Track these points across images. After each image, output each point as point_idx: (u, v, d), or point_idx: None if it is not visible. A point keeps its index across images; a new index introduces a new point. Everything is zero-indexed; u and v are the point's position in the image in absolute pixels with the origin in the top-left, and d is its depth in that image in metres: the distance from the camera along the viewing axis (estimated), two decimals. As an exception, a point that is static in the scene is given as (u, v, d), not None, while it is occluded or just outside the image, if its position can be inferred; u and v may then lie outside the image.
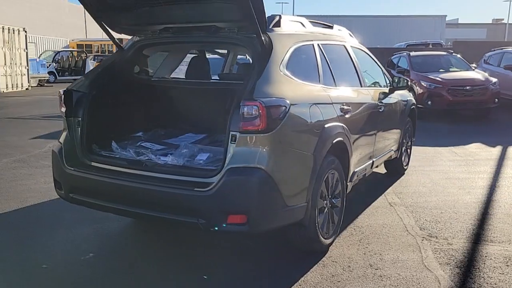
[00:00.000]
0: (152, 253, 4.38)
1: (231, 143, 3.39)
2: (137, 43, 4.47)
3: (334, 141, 4.07)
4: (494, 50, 16.08)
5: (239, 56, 7.12)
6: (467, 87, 12.44)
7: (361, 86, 5.30)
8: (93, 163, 4.06)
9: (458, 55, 15.08)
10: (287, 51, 3.96)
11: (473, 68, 14.41)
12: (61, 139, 4.25)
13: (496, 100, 12.66)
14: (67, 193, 4.08)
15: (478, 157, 8.53)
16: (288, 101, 3.54)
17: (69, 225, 5.00)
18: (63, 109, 4.23)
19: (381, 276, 3.90)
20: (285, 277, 3.88)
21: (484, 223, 5.16)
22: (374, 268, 4.04)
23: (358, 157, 4.89)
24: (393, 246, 4.52)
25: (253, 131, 3.33)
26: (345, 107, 4.47)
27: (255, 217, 3.34)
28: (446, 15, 65.81)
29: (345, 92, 4.73)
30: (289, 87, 3.73)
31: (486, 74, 13.28)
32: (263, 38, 3.78)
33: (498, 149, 9.17)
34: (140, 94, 4.85)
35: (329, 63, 4.63)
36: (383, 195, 6.18)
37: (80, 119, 4.16)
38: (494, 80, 12.76)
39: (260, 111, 3.31)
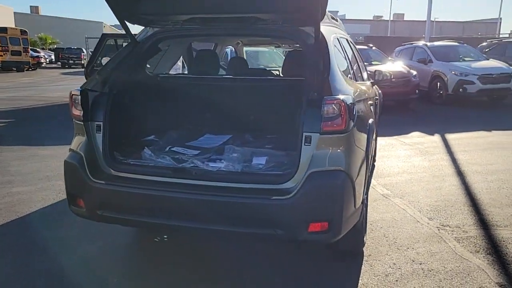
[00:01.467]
0: (177, 271, 3.96)
1: (305, 145, 3.15)
2: (155, 36, 3.96)
3: (374, 137, 4.02)
4: (405, 45, 17.33)
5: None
6: (393, 79, 13.22)
7: (364, 80, 5.33)
8: (124, 174, 3.52)
9: (375, 49, 15.97)
10: (332, 45, 3.80)
11: (391, 61, 15.38)
12: (78, 148, 3.62)
13: (417, 91, 13.65)
14: (92, 211, 3.49)
15: (426, 145, 9.11)
16: (353, 98, 3.40)
17: (68, 245, 4.33)
18: (78, 112, 3.60)
19: (430, 271, 3.94)
20: (344, 281, 3.76)
21: (479, 209, 5.49)
22: (418, 263, 4.08)
23: None
24: (417, 238, 4.61)
25: (333, 131, 3.13)
26: (371, 101, 4.45)
27: (337, 224, 3.15)
28: (337, 11, 69.57)
29: (365, 86, 4.71)
30: (345, 83, 3.58)
31: (407, 67, 14.25)
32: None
33: (437, 137, 9.90)
34: (152, 93, 4.35)
35: (348, 56, 4.57)
36: (371, 187, 6.29)
37: (101, 123, 3.58)
38: (414, 72, 13.69)
39: (342, 110, 3.12)
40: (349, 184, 3.21)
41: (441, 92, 14.72)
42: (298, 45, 5.95)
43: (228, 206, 3.16)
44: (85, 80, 4.11)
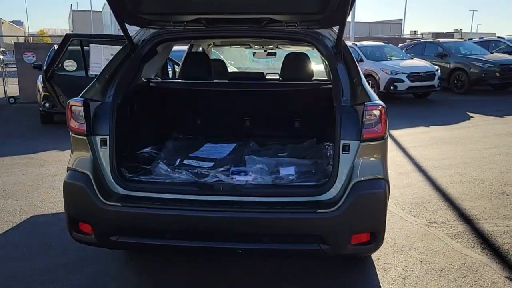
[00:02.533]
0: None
1: (343, 153, 3.03)
2: (156, 37, 3.60)
3: None
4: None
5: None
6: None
7: None
8: (139, 194, 3.15)
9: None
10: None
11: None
12: (80, 166, 3.18)
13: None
14: (104, 237, 3.10)
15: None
16: None
17: (54, 278, 3.82)
18: (79, 126, 3.17)
19: (441, 270, 4.02)
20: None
21: (454, 203, 5.75)
22: (427, 263, 4.15)
23: None
24: (413, 238, 4.70)
25: (373, 138, 3.06)
26: None
27: (381, 233, 3.08)
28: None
29: None
30: (369, 87, 3.52)
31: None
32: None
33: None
34: (148, 101, 3.97)
35: None
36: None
37: (106, 137, 3.18)
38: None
39: (382, 116, 3.04)
40: (388, 192, 3.15)
41: (373, 89, 15.53)
42: (313, 48, 5.85)
43: (271, 223, 2.95)
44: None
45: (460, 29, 67.20)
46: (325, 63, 4.42)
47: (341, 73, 3.25)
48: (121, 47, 5.51)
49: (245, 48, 6.57)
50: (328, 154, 3.74)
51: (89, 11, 58.59)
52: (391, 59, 16.05)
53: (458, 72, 16.68)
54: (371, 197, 3.00)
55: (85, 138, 3.19)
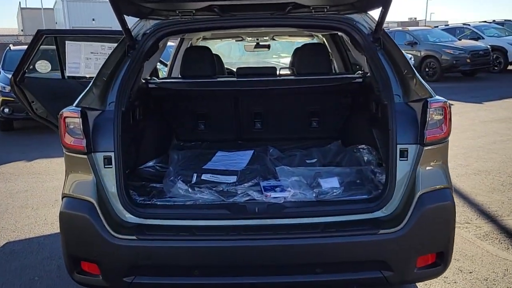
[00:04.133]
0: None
1: (400, 159, 2.56)
2: (160, 30, 2.98)
3: None
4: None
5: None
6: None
7: None
8: (156, 222, 2.57)
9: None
10: None
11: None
12: (80, 192, 2.57)
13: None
14: (115, 279, 2.51)
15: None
16: None
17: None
18: (76, 141, 2.56)
19: (486, 280, 3.63)
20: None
21: (470, 199, 5.40)
22: (468, 272, 3.75)
23: None
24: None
25: (437, 140, 2.60)
26: None
27: (449, 252, 2.62)
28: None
29: None
30: None
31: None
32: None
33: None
34: (149, 105, 3.38)
35: None
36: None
37: (111, 153, 2.58)
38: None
39: (446, 114, 2.60)
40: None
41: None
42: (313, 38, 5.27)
43: (325, 250, 2.44)
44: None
45: (415, 18, 68.63)
46: (347, 54, 3.93)
47: (384, 64, 2.77)
48: (101, 43, 4.91)
49: (236, 41, 6.01)
50: (366, 158, 3.26)
51: (40, 8, 55.94)
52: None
53: (429, 59, 16.59)
54: (440, 211, 2.54)
55: (84, 156, 2.57)
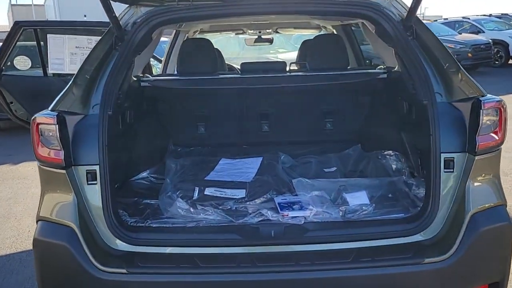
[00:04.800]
0: None
1: (445, 171, 2.13)
2: (154, 18, 2.51)
3: None
4: None
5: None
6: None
7: None
8: (151, 249, 2.13)
9: None
10: None
11: None
12: (59, 215, 2.14)
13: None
14: None
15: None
16: None
17: None
18: (54, 153, 2.11)
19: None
20: None
21: None
22: None
23: None
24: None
25: (490, 148, 2.18)
26: None
27: (505, 281, 2.19)
28: None
29: None
30: None
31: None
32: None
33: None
34: (141, 106, 2.94)
35: None
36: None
37: (95, 167, 2.13)
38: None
39: (502, 116, 2.18)
40: None
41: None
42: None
43: (358, 285, 1.99)
44: None
45: (409, 13, 68.05)
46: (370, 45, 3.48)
47: (417, 57, 2.33)
48: (87, 37, 4.43)
49: (236, 34, 5.53)
50: (394, 167, 2.82)
51: (30, 5, 55.11)
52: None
53: (430, 54, 16.74)
54: (496, 233, 2.10)
55: (63, 171, 2.11)
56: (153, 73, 4.92)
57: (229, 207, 2.39)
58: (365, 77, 3.17)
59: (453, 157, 2.16)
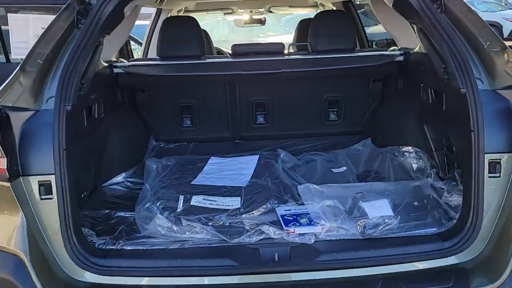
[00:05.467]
0: None
1: (489, 176, 1.72)
2: None
3: None
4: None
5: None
6: None
7: None
8: (127, 281, 1.70)
9: None
10: None
11: None
12: (2, 240, 1.68)
13: None
14: None
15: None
16: None
17: None
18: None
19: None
20: None
21: None
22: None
23: None
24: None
25: None
26: None
27: None
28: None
29: None
30: None
31: None
32: None
33: None
34: (115, 96, 2.49)
35: None
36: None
37: (51, 177, 1.68)
38: None
39: None
40: None
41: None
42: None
43: None
44: None
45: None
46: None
47: (450, 34, 1.88)
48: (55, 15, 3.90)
49: (225, 14, 5.02)
50: (416, 166, 2.39)
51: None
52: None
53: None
54: None
55: (7, 185, 1.64)
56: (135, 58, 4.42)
57: (221, 222, 1.93)
58: (379, 60, 2.71)
59: (499, 159, 1.73)
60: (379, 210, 1.96)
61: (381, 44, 4.74)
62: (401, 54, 2.67)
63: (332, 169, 2.51)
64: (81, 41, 1.90)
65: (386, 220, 1.90)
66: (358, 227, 1.87)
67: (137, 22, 3.43)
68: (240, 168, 2.57)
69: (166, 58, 2.87)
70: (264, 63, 2.85)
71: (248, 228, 1.90)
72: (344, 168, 2.51)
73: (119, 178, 2.51)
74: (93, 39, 1.98)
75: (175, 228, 1.85)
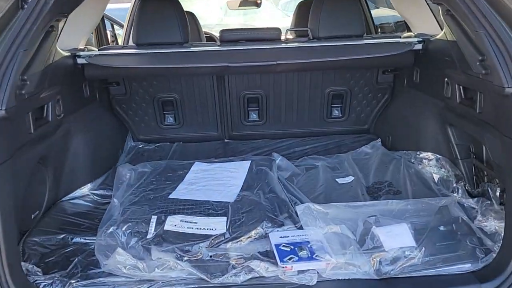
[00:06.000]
0: None
1: None
2: None
3: None
4: None
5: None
6: None
7: None
8: None
9: None
10: None
11: None
12: None
13: None
14: None
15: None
16: None
17: None
18: None
19: None
20: None
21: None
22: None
23: None
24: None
25: None
26: None
27: None
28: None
29: None
30: None
31: None
32: None
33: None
34: (79, 91, 2.10)
35: None
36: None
37: None
38: None
39: None
40: None
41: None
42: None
43: None
44: None
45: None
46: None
47: (491, 19, 1.48)
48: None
49: None
50: (437, 177, 2.00)
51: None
52: None
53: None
54: None
55: None
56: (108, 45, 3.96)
57: (201, 254, 1.55)
58: (395, 49, 2.29)
59: None
60: (397, 239, 1.57)
61: (387, 30, 4.32)
62: (419, 42, 2.26)
63: (336, 179, 2.11)
64: (22, 26, 1.49)
65: (407, 253, 1.51)
66: (372, 263, 1.48)
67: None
68: (228, 177, 2.17)
69: (143, 45, 2.45)
70: (258, 52, 2.44)
71: (234, 263, 1.51)
72: (351, 178, 2.11)
73: (84, 190, 2.10)
74: (42, 22, 1.57)
75: (140, 265, 1.46)
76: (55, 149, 1.95)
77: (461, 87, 1.86)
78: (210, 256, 1.55)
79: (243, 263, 1.50)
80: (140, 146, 2.77)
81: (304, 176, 2.16)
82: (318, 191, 2.00)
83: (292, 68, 2.48)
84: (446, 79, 1.98)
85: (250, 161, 2.30)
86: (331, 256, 1.49)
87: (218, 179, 2.18)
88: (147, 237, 1.67)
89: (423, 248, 1.53)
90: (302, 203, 1.87)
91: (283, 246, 1.59)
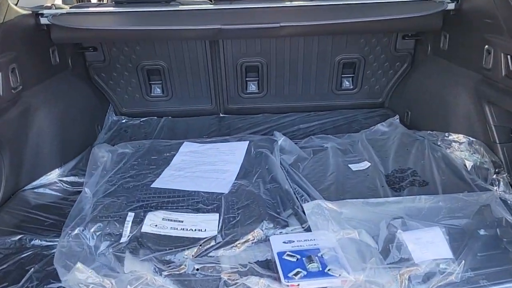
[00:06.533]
0: None
1: None
2: None
3: None
4: None
5: None
6: None
7: None
8: None
9: None
10: None
11: None
12: None
13: None
14: None
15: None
16: None
17: None
18: None
19: None
20: None
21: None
22: None
23: None
24: None
25: None
26: None
27: None
28: None
29: None
30: None
31: None
32: None
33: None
34: (45, 60, 1.79)
35: None
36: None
37: None
38: None
39: None
40: None
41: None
42: None
43: None
44: None
45: None
46: None
47: None
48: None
49: None
50: (470, 164, 1.68)
51: None
52: None
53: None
54: None
55: None
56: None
57: (185, 267, 1.24)
58: (423, 9, 1.93)
59: None
60: (430, 248, 1.26)
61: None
62: (452, 0, 1.90)
63: (349, 165, 1.79)
64: None
65: (442, 267, 1.21)
66: (400, 280, 1.19)
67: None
68: (222, 162, 1.85)
69: (121, 3, 2.08)
70: (258, 13, 2.08)
71: (226, 278, 1.21)
72: (367, 164, 1.79)
73: (51, 176, 1.78)
74: None
75: (108, 284, 1.16)
76: (12, 129, 1.63)
77: (508, 57, 1.52)
78: (197, 270, 1.25)
79: (238, 279, 1.20)
80: (123, 121, 2.44)
81: (311, 161, 1.84)
82: (328, 180, 1.68)
83: (297, 31, 2.12)
84: (486, 46, 1.63)
85: (248, 141, 1.98)
86: (347, 272, 1.19)
87: (210, 164, 1.86)
88: (121, 240, 1.37)
89: (463, 261, 1.23)
90: (309, 196, 1.56)
91: (288, 255, 1.28)
